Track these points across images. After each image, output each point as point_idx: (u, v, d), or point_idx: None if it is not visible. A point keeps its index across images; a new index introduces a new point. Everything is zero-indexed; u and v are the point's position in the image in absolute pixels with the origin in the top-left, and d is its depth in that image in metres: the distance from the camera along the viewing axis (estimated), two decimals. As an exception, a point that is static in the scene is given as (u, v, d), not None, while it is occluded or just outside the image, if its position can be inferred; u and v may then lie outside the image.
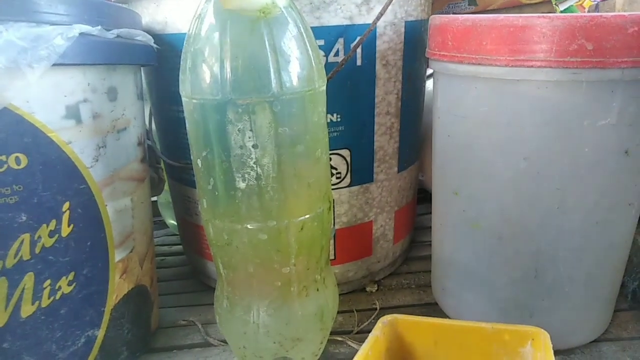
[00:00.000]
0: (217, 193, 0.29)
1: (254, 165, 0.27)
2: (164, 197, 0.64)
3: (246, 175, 0.27)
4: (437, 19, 0.35)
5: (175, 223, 0.65)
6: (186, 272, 0.55)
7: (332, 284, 0.35)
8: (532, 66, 0.29)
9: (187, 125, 0.30)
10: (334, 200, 0.43)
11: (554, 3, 0.60)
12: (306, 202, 0.29)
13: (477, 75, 0.32)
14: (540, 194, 0.32)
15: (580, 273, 0.34)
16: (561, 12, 0.59)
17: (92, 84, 0.32)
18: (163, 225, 0.67)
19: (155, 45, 0.38)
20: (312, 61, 0.28)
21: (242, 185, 0.28)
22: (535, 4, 0.63)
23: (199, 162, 0.29)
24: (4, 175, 0.28)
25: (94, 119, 0.32)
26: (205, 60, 0.26)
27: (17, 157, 0.29)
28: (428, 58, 0.38)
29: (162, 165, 0.53)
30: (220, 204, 0.29)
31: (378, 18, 0.38)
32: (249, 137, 0.27)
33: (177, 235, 0.65)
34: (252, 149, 0.27)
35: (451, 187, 0.37)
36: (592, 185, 0.31)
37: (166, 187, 0.59)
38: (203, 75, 0.27)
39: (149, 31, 0.41)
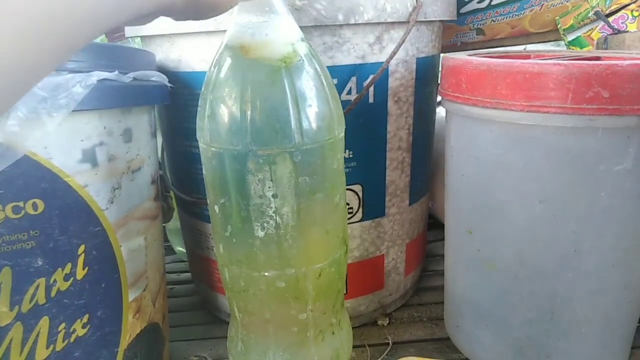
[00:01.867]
0: (234, 240, 0.29)
1: (274, 215, 0.27)
2: (173, 224, 0.64)
3: (265, 224, 0.27)
4: (450, 60, 0.35)
5: (184, 250, 0.65)
6: (195, 302, 0.54)
7: (346, 324, 0.35)
8: (547, 112, 0.29)
9: (204, 170, 0.30)
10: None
11: (561, 33, 0.60)
12: (325, 248, 0.30)
13: (492, 119, 0.32)
14: (556, 237, 0.32)
15: (597, 314, 0.34)
16: (569, 42, 0.59)
17: (108, 127, 0.32)
18: (171, 251, 0.67)
19: (169, 85, 0.38)
20: (332, 109, 0.28)
21: (260, 233, 0.28)
22: (543, 32, 0.64)
23: (216, 208, 0.29)
24: (20, 221, 0.29)
25: (110, 162, 0.32)
26: (225, 110, 0.27)
27: (34, 203, 0.29)
28: (441, 97, 0.38)
29: (172, 193, 0.54)
30: (237, 251, 0.29)
31: (391, 57, 0.38)
32: (269, 187, 0.27)
33: (185, 262, 0.65)
34: (272, 199, 0.27)
35: (465, 225, 0.37)
36: (608, 228, 0.31)
37: (175, 214, 0.60)
38: (223, 125, 0.27)
39: (162, 68, 0.41)
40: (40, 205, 0.29)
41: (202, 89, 0.29)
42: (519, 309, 0.35)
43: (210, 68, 0.29)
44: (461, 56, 0.35)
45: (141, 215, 0.36)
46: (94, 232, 0.32)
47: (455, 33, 0.62)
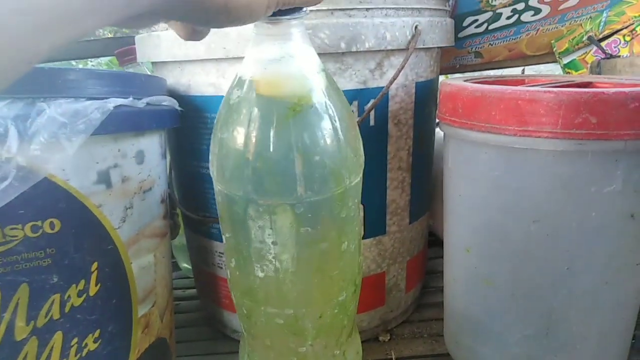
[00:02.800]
0: (237, 272, 0.30)
1: (273, 260, 0.27)
2: (178, 241, 0.66)
3: (264, 267, 0.28)
4: (447, 86, 0.37)
5: (189, 266, 0.66)
6: (201, 318, 0.55)
7: (354, 352, 0.35)
8: (539, 136, 0.31)
9: (216, 198, 0.30)
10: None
11: (557, 56, 0.62)
12: (327, 293, 0.29)
13: (486, 142, 0.34)
14: (550, 256, 0.33)
15: (591, 331, 0.35)
16: (565, 64, 0.61)
17: (122, 150, 0.34)
18: (176, 267, 0.68)
19: (179, 108, 0.40)
20: (347, 157, 0.27)
21: (260, 274, 0.28)
22: (540, 55, 0.66)
23: (224, 238, 0.30)
24: (38, 240, 0.30)
25: (123, 183, 0.34)
26: (229, 154, 0.26)
27: (51, 222, 0.30)
28: (439, 121, 0.39)
29: (178, 210, 0.55)
30: (240, 282, 0.30)
31: (391, 82, 0.40)
32: (269, 234, 0.27)
33: (190, 278, 0.66)
34: (272, 245, 0.27)
35: (463, 244, 0.38)
36: (600, 247, 0.32)
37: (181, 230, 0.61)
38: (226, 168, 0.27)
39: (172, 92, 0.43)
40: (57, 224, 0.31)
41: (215, 122, 0.28)
42: (516, 326, 0.36)
43: (224, 101, 0.28)
44: (458, 82, 0.37)
45: (151, 233, 0.37)
46: (107, 250, 0.33)
47: (454, 56, 0.64)
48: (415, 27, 0.41)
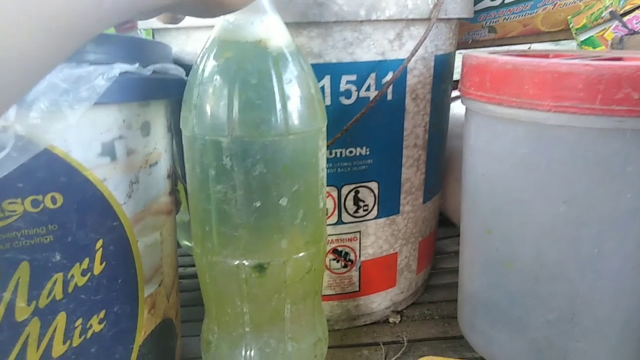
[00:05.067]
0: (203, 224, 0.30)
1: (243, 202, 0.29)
2: (179, 217, 0.64)
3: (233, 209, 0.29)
4: (473, 58, 0.35)
5: (189, 244, 0.64)
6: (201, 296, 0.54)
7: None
8: (575, 113, 0.29)
9: (185, 154, 0.31)
10: (360, 232, 0.43)
11: (573, 33, 0.60)
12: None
13: (516, 118, 0.32)
14: (579, 238, 0.32)
15: (618, 315, 0.34)
16: (581, 42, 0.59)
17: (127, 121, 0.31)
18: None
19: (185, 78, 0.37)
20: (318, 102, 0.29)
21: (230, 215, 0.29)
22: (553, 32, 0.64)
23: (190, 201, 0.31)
24: (39, 215, 0.28)
25: (128, 156, 0.32)
26: (211, 96, 0.28)
27: (53, 197, 0.28)
28: (462, 95, 0.37)
29: (179, 187, 0.53)
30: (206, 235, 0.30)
31: (412, 54, 0.37)
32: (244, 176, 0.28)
33: (191, 255, 0.64)
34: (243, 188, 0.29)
35: (484, 225, 0.37)
36: (632, 230, 0.31)
37: (182, 207, 0.59)
38: (207, 111, 0.28)
39: (177, 61, 0.40)
40: (59, 199, 0.28)
41: (189, 80, 0.30)
42: (537, 310, 0.35)
43: (196, 62, 0.29)
44: (485, 54, 0.35)
45: (157, 210, 0.35)
46: (112, 226, 0.31)
47: (467, 30, 0.62)
48: (438, -5, 0.38)
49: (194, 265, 0.61)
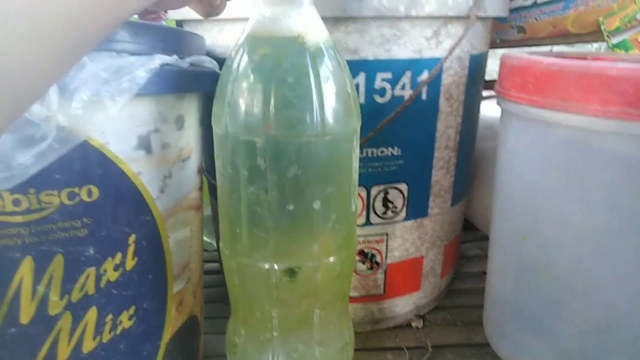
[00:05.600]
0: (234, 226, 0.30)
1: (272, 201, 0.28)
2: (197, 213, 0.63)
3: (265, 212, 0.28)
4: (514, 59, 0.34)
5: (209, 240, 0.64)
6: (223, 294, 0.53)
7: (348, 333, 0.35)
8: (624, 118, 0.28)
9: (216, 153, 0.30)
10: (387, 234, 0.42)
11: (605, 35, 0.58)
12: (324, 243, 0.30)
13: (560, 122, 0.31)
14: (620, 248, 0.31)
15: (654, 329, 0.33)
16: (614, 45, 0.57)
17: (163, 114, 0.31)
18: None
19: (219, 71, 0.37)
20: (354, 101, 0.28)
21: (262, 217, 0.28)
22: (582, 34, 0.62)
23: (219, 200, 0.29)
24: (75, 207, 0.28)
25: (163, 149, 0.31)
26: (245, 95, 0.27)
27: (89, 190, 0.28)
28: (499, 97, 0.37)
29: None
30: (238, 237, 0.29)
31: (450, 52, 0.37)
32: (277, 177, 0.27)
33: (209, 251, 0.64)
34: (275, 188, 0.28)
35: (519, 231, 0.36)
36: (677, 241, 0.30)
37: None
38: (241, 111, 0.27)
39: (209, 53, 0.40)
40: (95, 192, 0.28)
41: (222, 76, 0.28)
42: (572, 320, 0.34)
43: (230, 56, 0.28)
44: (526, 55, 0.34)
45: (188, 205, 0.35)
46: (145, 221, 0.31)
47: (497, 30, 0.61)
48: (478, -7, 0.37)
49: (214, 261, 0.61)
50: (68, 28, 0.17)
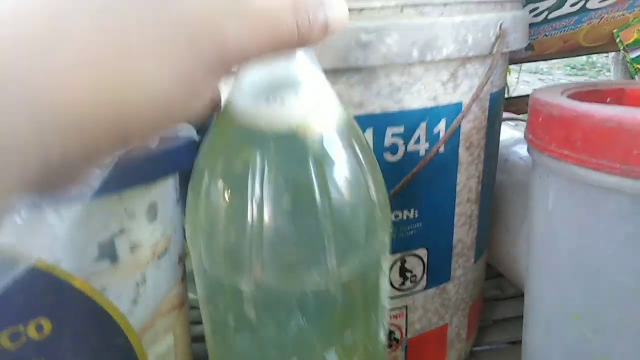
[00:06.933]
0: None
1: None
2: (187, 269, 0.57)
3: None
4: (553, 107, 0.28)
5: (197, 297, 0.58)
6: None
7: None
8: None
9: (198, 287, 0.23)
10: (406, 307, 0.36)
11: (621, 48, 0.53)
12: None
13: (620, 188, 0.25)
14: (702, 337, 0.25)
15: None
16: (632, 59, 0.52)
17: (130, 209, 0.25)
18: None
19: (197, 138, 0.31)
20: (379, 207, 0.21)
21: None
22: (595, 46, 0.58)
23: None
24: (20, 351, 0.21)
25: (132, 252, 0.25)
26: (223, 224, 0.19)
27: (38, 324, 0.21)
28: (533, 149, 0.31)
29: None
30: None
31: (473, 99, 0.31)
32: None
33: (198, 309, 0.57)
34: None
35: (567, 307, 0.30)
36: None
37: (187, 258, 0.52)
38: (219, 247, 0.19)
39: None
40: (47, 325, 0.22)
41: (192, 178, 0.20)
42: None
43: (202, 152, 0.20)
44: (567, 102, 0.28)
45: (169, 306, 0.29)
46: (115, 346, 0.25)
47: (503, 50, 0.55)
48: (500, 26, 0.32)
49: (200, 322, 0.55)
50: None
